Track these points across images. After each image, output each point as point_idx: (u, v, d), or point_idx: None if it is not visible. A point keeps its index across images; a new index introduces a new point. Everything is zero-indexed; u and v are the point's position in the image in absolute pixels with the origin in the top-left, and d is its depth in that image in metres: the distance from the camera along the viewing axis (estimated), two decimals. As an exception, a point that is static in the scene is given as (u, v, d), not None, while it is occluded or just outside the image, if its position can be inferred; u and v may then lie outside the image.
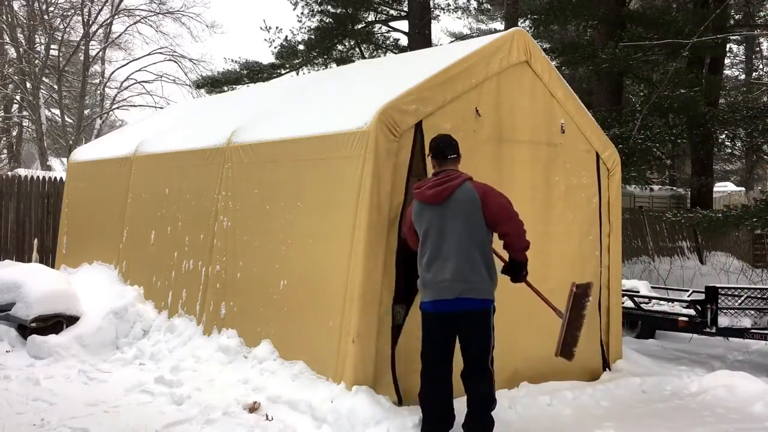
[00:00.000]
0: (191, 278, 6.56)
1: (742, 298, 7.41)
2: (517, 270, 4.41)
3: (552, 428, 4.82)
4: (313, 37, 19.08)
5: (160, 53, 29.74)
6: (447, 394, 4.28)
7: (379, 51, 20.12)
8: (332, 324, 4.87)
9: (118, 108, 31.33)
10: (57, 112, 28.38)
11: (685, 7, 15.87)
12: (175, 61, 29.72)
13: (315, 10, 19.14)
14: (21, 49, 26.83)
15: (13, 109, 29.82)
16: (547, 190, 5.80)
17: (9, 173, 13.79)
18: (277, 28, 19.83)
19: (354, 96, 5.94)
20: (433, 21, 18.93)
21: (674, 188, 23.66)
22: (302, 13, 19.35)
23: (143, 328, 6.77)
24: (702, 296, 7.58)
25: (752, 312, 7.30)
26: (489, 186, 4.34)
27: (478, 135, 5.30)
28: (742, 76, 29.32)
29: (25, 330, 6.69)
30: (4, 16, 26.84)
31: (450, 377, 4.28)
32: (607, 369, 6.08)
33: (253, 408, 4.77)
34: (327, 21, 19.11)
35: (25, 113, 28.30)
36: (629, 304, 8.10)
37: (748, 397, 5.48)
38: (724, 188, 30.61)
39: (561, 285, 5.00)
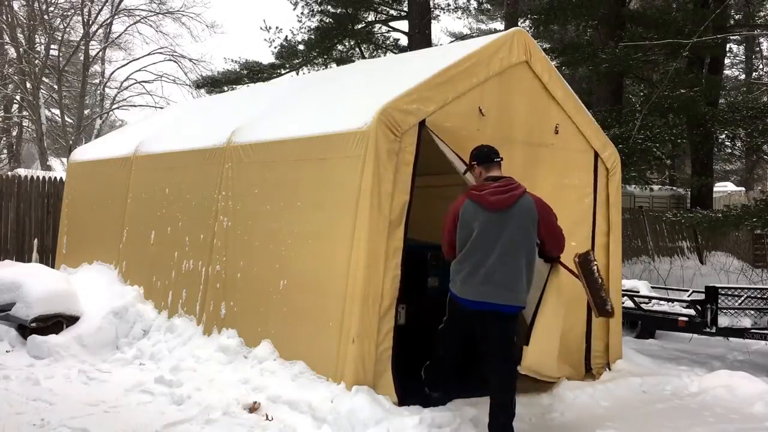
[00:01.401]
0: (191, 278, 6.56)
1: (742, 298, 7.41)
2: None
3: (552, 428, 4.83)
4: (313, 37, 19.11)
5: (160, 53, 29.74)
6: (455, 367, 4.74)
7: (379, 51, 20.14)
8: (332, 324, 4.87)
9: (118, 108, 31.36)
10: (57, 112, 28.37)
11: (685, 7, 15.85)
12: (175, 61, 29.74)
13: (315, 10, 19.17)
14: (21, 49, 26.80)
15: (13, 109, 29.81)
16: (547, 190, 5.77)
17: (9, 173, 13.78)
18: (277, 28, 19.89)
19: (354, 96, 5.94)
20: (433, 21, 18.97)
21: (674, 188, 23.65)
22: (302, 13, 19.40)
23: (143, 328, 6.76)
24: (702, 296, 7.58)
25: (752, 312, 7.30)
26: (543, 200, 4.54)
27: (482, 134, 5.30)
28: (742, 76, 29.36)
29: (25, 330, 6.68)
30: (4, 16, 26.83)
31: (459, 361, 4.67)
32: (607, 369, 6.08)
33: (253, 408, 4.77)
34: (327, 21, 19.13)
35: (25, 113, 28.30)
36: (629, 304, 8.10)
37: (748, 397, 5.47)
38: (724, 188, 30.60)
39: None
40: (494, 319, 4.36)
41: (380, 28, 20.20)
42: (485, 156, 4.59)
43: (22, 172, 17.25)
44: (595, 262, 4.75)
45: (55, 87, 27.72)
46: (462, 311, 4.46)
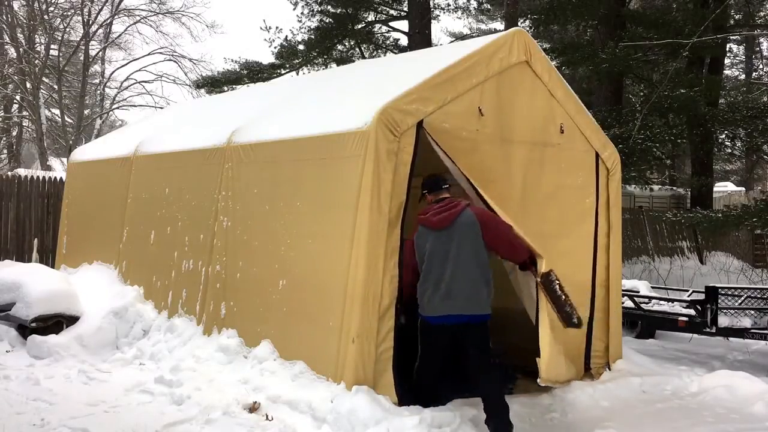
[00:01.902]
0: (191, 278, 6.56)
1: (742, 298, 7.41)
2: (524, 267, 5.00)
3: (552, 428, 4.83)
4: (313, 37, 19.10)
5: (160, 53, 29.76)
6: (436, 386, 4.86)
7: (379, 51, 20.13)
8: (332, 324, 4.87)
9: (118, 108, 31.38)
10: (57, 112, 28.36)
11: (685, 7, 15.86)
12: (175, 61, 29.75)
13: (315, 10, 19.16)
14: (21, 49, 26.80)
15: (13, 109, 29.80)
16: (548, 190, 5.78)
17: (9, 173, 13.78)
18: (277, 28, 19.89)
19: (354, 96, 5.94)
20: (433, 21, 18.96)
21: (674, 188, 23.65)
22: (302, 13, 19.39)
23: (143, 328, 6.77)
24: (702, 296, 7.58)
25: (752, 312, 7.30)
26: (485, 211, 4.78)
27: (481, 134, 5.30)
28: (742, 76, 29.34)
29: (25, 330, 6.69)
30: (4, 16, 26.84)
31: (439, 378, 4.80)
32: (607, 369, 6.07)
33: (253, 408, 4.77)
34: (327, 21, 19.12)
35: (25, 113, 28.29)
36: (629, 304, 8.10)
37: (748, 397, 5.47)
38: (724, 188, 30.60)
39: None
40: (465, 330, 4.57)
41: (380, 28, 20.19)
42: (433, 184, 4.86)
43: (22, 172, 17.25)
44: (557, 281, 4.89)
45: (55, 87, 27.72)
46: (435, 330, 4.62)
